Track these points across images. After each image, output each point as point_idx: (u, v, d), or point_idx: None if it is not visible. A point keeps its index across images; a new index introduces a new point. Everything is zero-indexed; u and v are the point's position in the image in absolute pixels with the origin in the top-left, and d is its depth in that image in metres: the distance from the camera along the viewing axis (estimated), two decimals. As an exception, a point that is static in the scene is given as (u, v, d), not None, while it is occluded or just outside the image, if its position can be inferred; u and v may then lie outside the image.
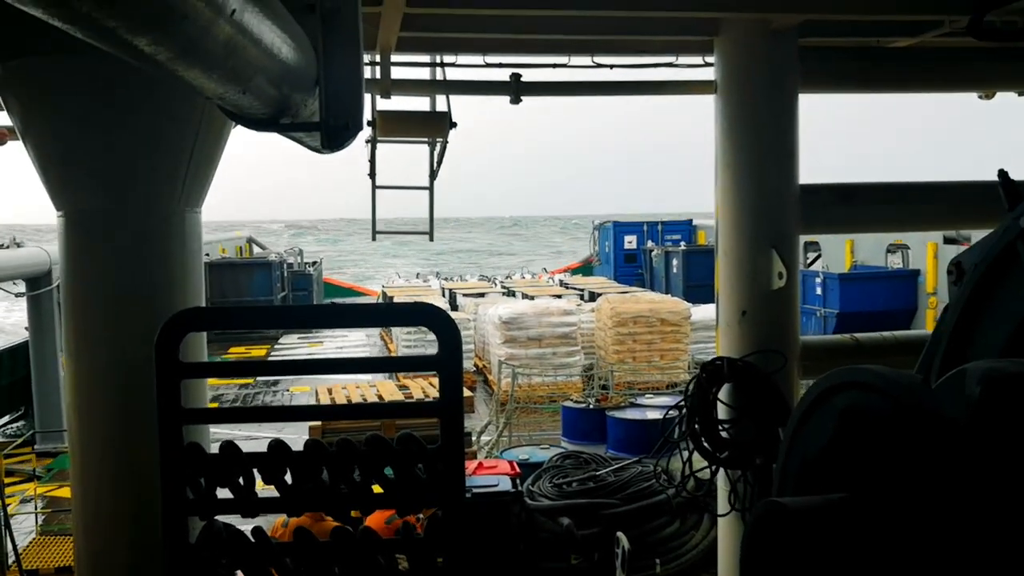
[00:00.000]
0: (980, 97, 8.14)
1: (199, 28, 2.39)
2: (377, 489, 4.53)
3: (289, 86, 3.21)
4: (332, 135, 3.23)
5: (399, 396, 13.82)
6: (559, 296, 26.45)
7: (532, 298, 25.15)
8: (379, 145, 8.58)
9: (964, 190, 7.14)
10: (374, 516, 7.06)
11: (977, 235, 3.58)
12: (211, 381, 21.37)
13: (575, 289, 30.20)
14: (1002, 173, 3.46)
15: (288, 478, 4.55)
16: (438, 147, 8.63)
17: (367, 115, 8.02)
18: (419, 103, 8.31)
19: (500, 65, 7.71)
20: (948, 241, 22.49)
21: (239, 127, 6.87)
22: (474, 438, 14.59)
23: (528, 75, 7.74)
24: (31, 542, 11.60)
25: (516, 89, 7.53)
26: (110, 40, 2.19)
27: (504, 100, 7.72)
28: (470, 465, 9.32)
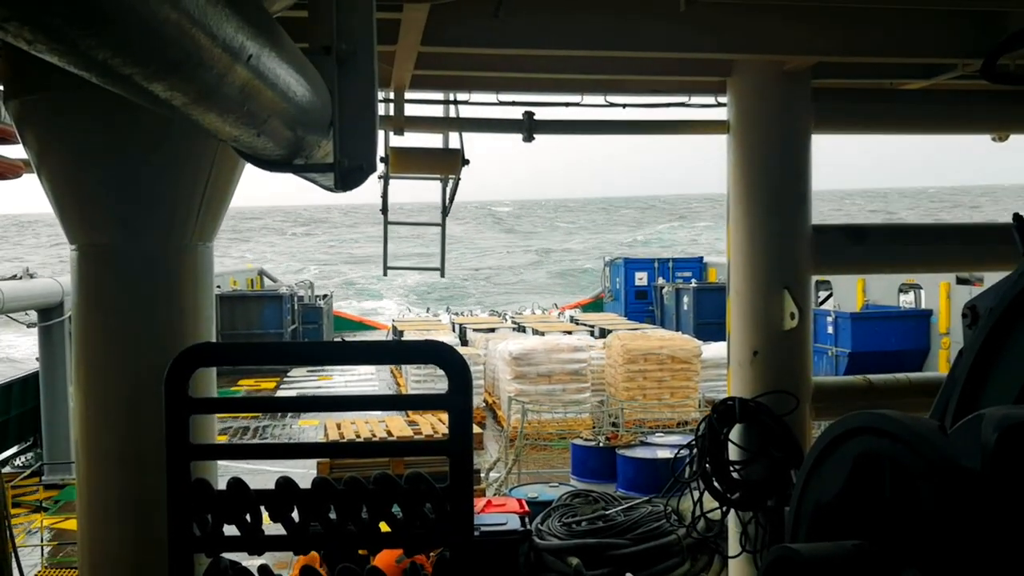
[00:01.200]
0: (993, 139, 8.14)
1: (216, 75, 2.40)
2: (385, 528, 4.49)
3: (304, 128, 3.22)
4: (346, 176, 3.24)
5: (408, 431, 13.76)
6: (569, 332, 26.41)
7: (542, 334, 25.12)
8: (391, 181, 8.62)
9: (977, 232, 7.12)
10: (383, 556, 7.00)
11: (991, 275, 3.57)
12: (220, 415, 21.38)
13: (585, 325, 30.15)
14: (1017, 216, 3.45)
15: (295, 515, 4.52)
16: (450, 184, 8.67)
17: (380, 151, 8.09)
18: (432, 140, 8.36)
19: (513, 103, 7.76)
20: (961, 281, 22.40)
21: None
22: (483, 475, 14.51)
23: (541, 113, 7.79)
24: (37, 575, 11.54)
25: (529, 127, 7.57)
26: (125, 86, 2.21)
27: (517, 136, 7.76)
28: (479, 503, 9.26)
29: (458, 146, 7.99)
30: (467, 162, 7.96)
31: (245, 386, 28.01)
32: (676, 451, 6.84)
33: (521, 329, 29.62)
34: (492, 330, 28.70)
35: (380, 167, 8.45)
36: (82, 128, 5.56)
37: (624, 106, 7.75)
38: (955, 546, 2.47)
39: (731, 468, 6.44)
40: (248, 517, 4.47)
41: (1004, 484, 2.44)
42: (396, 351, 8.15)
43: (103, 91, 2.21)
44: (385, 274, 9.62)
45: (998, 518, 2.42)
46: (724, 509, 6.52)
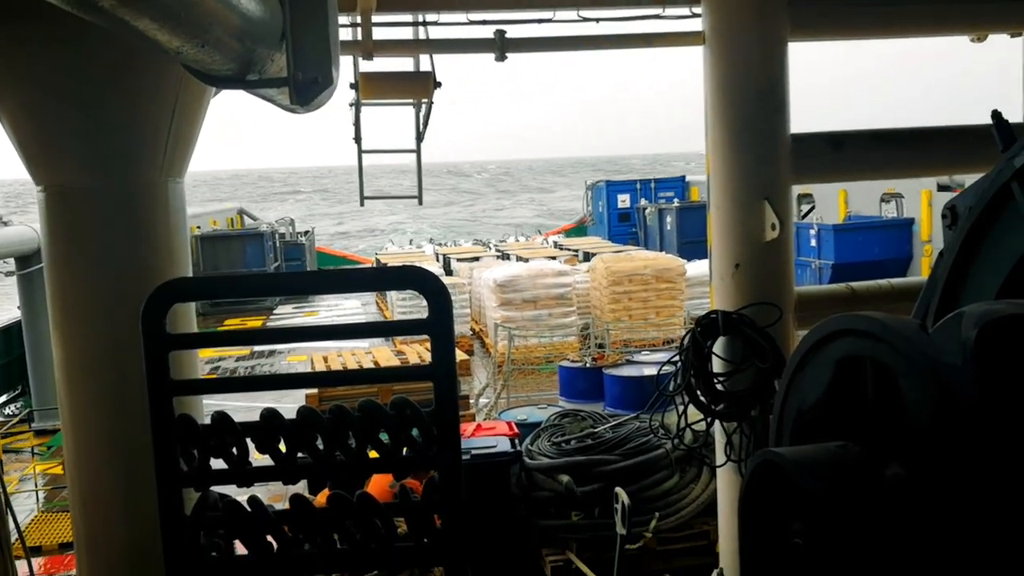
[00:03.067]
0: (972, 40, 8.03)
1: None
2: (373, 454, 4.50)
3: (252, 39, 3.10)
4: (301, 91, 3.13)
5: (396, 362, 13.80)
6: (553, 258, 26.40)
7: (526, 260, 25.09)
8: (364, 109, 8.46)
9: (957, 134, 7.05)
10: (373, 482, 7.06)
11: (972, 180, 3.52)
12: (206, 353, 21.38)
13: (569, 250, 30.14)
14: (996, 114, 3.40)
15: (282, 447, 4.51)
16: (423, 108, 8.52)
17: (350, 78, 7.92)
18: (403, 64, 8.18)
19: (484, 22, 7.58)
20: (942, 188, 22.42)
21: (219, 96, 6.78)
22: (472, 401, 14.61)
23: (513, 31, 7.62)
24: (33, 519, 11.62)
25: (501, 46, 7.41)
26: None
27: (489, 58, 7.60)
28: (468, 428, 9.33)
29: (429, 69, 7.82)
30: (439, 84, 7.81)
31: (231, 326, 27.96)
32: (660, 367, 6.87)
33: (505, 257, 29.58)
34: (476, 259, 28.64)
35: (351, 94, 8.29)
36: (42, 64, 5.40)
37: (597, 20, 7.59)
38: (938, 442, 2.48)
39: (715, 380, 6.47)
40: (235, 450, 4.47)
41: (985, 379, 2.44)
42: (374, 278, 8.09)
43: (63, 25, 2.10)
44: (362, 204, 9.51)
45: (980, 412, 2.43)
46: (709, 421, 6.57)
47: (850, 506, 2.62)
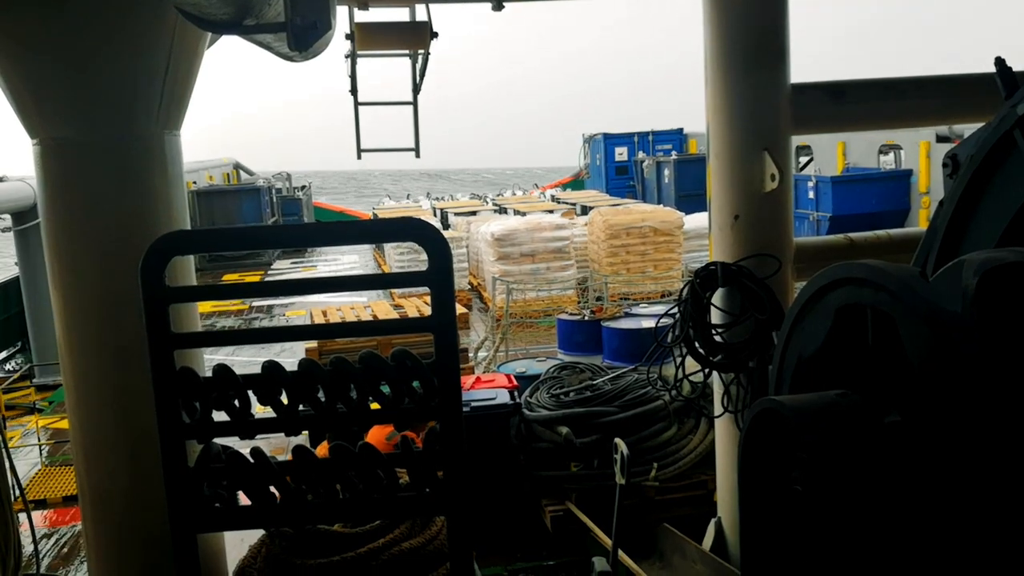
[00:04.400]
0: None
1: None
2: (374, 406, 4.52)
3: None
4: (299, 35, 3.09)
5: (394, 315, 13.83)
6: (551, 211, 26.33)
7: (524, 214, 25.03)
8: (359, 62, 8.37)
9: (959, 83, 7.00)
10: (373, 432, 7.11)
11: (972, 130, 3.49)
12: (204, 308, 21.41)
13: (567, 204, 30.06)
14: (999, 61, 3.36)
15: (284, 398, 4.54)
16: (420, 59, 8.43)
17: (345, 28, 7.83)
18: (398, 15, 8.08)
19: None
20: (941, 140, 22.30)
21: (215, 47, 6.70)
22: (471, 354, 14.66)
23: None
24: (37, 473, 11.72)
25: (499, -6, 7.31)
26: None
27: (483, 27, 7.50)
28: (468, 380, 9.37)
29: (425, 19, 7.73)
30: (436, 35, 7.72)
31: (229, 281, 27.97)
32: (658, 319, 6.88)
33: (503, 211, 29.49)
34: (473, 213, 28.57)
35: (346, 45, 8.20)
36: (32, 12, 5.32)
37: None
38: (938, 389, 2.49)
39: (713, 331, 6.49)
40: (237, 403, 4.49)
41: (985, 326, 2.44)
42: (373, 230, 8.06)
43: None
44: (359, 157, 9.45)
45: (980, 359, 2.43)
46: (707, 372, 6.60)
47: (849, 453, 2.65)
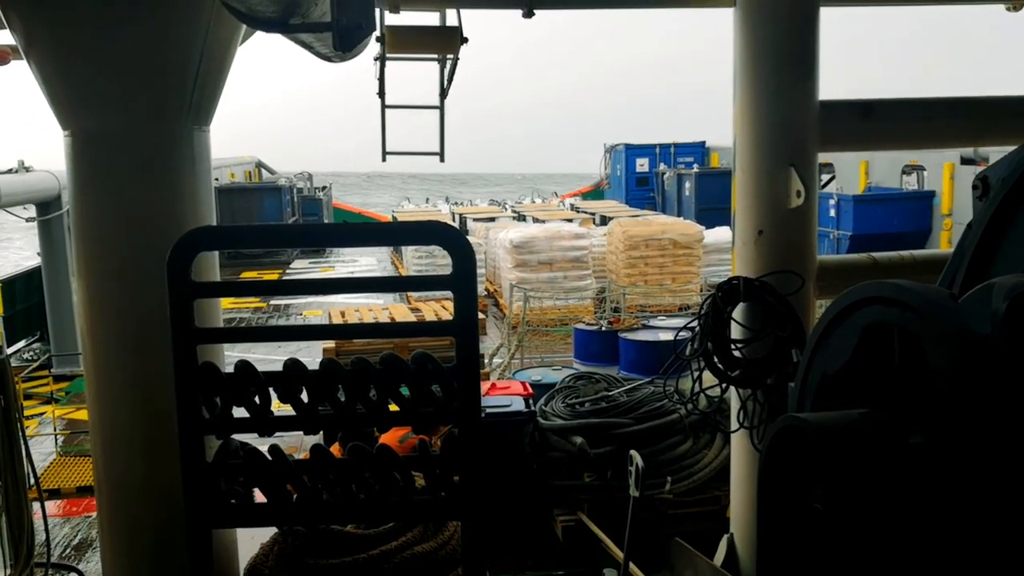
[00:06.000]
0: (1008, 9, 7.88)
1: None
2: (393, 408, 4.53)
3: None
4: (344, 35, 3.11)
5: (412, 318, 13.84)
6: (570, 220, 26.32)
7: (543, 222, 25.03)
8: (388, 66, 8.40)
9: (988, 105, 6.95)
10: (390, 435, 7.12)
11: (998, 154, 3.47)
12: (224, 304, 21.51)
13: (586, 213, 30.04)
14: None
15: (304, 397, 4.55)
16: (448, 64, 8.45)
17: (376, 31, 7.85)
18: (428, 19, 8.11)
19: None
20: (965, 162, 22.16)
21: (245, 44, 6.74)
22: (486, 360, 14.67)
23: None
24: (51, 463, 11.79)
25: (530, 2, 7.32)
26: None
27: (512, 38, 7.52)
28: (484, 386, 9.37)
29: (455, 24, 7.74)
30: (466, 40, 7.74)
31: (249, 279, 28.08)
32: (677, 332, 6.86)
33: (521, 218, 29.51)
34: (492, 219, 28.60)
35: (376, 48, 8.23)
36: (68, 5, 5.38)
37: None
38: (964, 411, 2.47)
39: (733, 346, 6.47)
40: (257, 399, 4.51)
41: (1015, 349, 2.42)
42: (398, 232, 8.08)
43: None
44: (384, 159, 9.47)
45: (1008, 382, 2.42)
46: (724, 387, 6.57)
47: (872, 473, 2.63)
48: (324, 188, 40.99)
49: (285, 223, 30.34)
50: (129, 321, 5.68)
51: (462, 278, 4.38)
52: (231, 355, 6.16)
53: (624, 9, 7.76)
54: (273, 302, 23.65)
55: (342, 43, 3.15)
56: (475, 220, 28.69)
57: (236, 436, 4.74)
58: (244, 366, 4.53)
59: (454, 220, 30.28)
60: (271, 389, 4.58)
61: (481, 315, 18.60)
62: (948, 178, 22.72)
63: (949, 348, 2.56)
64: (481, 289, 22.71)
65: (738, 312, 6.56)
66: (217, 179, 34.34)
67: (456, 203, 39.38)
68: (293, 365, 4.56)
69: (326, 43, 3.28)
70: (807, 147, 6.60)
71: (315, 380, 4.47)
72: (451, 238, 4.44)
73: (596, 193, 41.35)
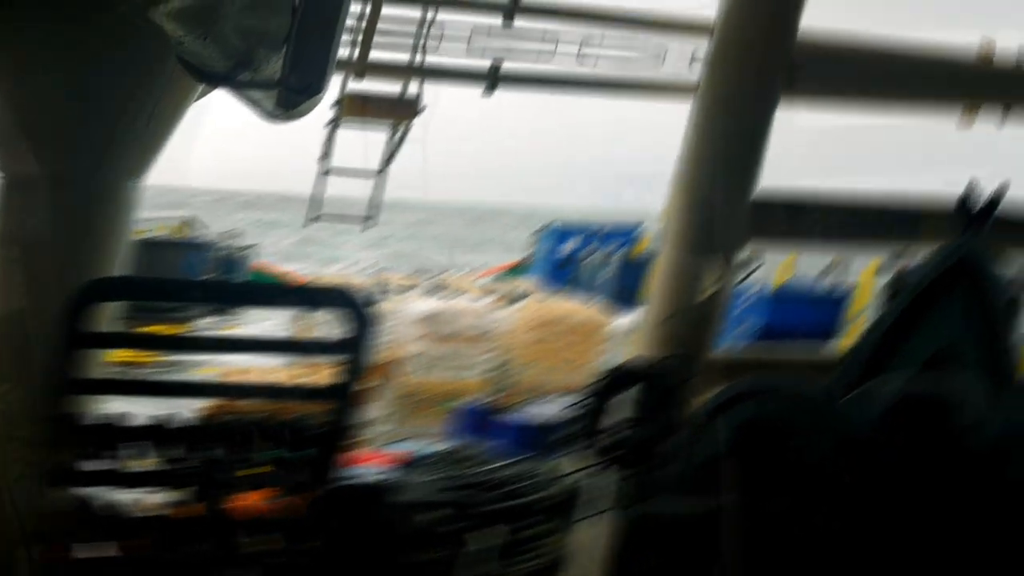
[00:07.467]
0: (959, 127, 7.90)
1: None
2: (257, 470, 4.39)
3: (256, 39, 2.96)
4: (291, 95, 2.99)
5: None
6: (482, 296, 26.29)
7: (454, 296, 24.99)
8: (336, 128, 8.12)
9: (919, 208, 7.00)
10: (254, 496, 6.86)
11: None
12: (118, 359, 20.68)
13: (500, 290, 30.05)
14: (963, 197, 3.43)
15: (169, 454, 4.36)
16: (400, 131, 8.25)
17: (334, 95, 7.65)
18: (390, 86, 7.92)
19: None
20: (889, 261, 22.51)
21: (194, 105, 6.55)
22: (364, 428, 14.37)
23: (508, 67, 7.53)
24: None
25: (493, 80, 7.34)
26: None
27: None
28: (354, 455, 9.15)
29: (416, 93, 7.63)
30: (423, 109, 7.65)
31: (145, 332, 27.25)
32: (557, 413, 6.82)
33: (436, 289, 29.39)
34: (411, 288, 28.40)
35: (329, 113, 7.99)
36: (19, 46, 5.15)
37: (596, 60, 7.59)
38: (840, 505, 2.44)
39: (613, 430, 6.41)
40: (116, 453, 4.31)
41: (889, 452, 2.41)
42: (296, 294, 7.95)
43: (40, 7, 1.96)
44: (304, 225, 9.21)
45: (881, 483, 2.39)
46: (596, 470, 6.52)
47: (723, 566, 2.59)
48: (249, 247, 40.22)
49: (182, 279, 29.75)
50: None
51: (349, 345, 4.28)
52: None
53: (584, 96, 7.88)
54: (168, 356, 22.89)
55: (288, 101, 3.06)
56: (395, 287, 28.46)
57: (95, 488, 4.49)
58: (117, 417, 4.35)
59: (378, 286, 29.94)
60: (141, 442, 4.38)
61: (376, 383, 18.27)
62: (869, 278, 23.04)
63: (825, 444, 2.54)
64: (380, 357, 22.35)
65: (624, 395, 6.53)
66: (150, 230, 33.45)
67: (383, 269, 38.99)
68: (165, 419, 4.39)
69: (271, 100, 3.19)
70: (732, 239, 6.65)
71: (173, 436, 4.28)
72: (346, 302, 4.34)
73: (521, 269, 41.54)
